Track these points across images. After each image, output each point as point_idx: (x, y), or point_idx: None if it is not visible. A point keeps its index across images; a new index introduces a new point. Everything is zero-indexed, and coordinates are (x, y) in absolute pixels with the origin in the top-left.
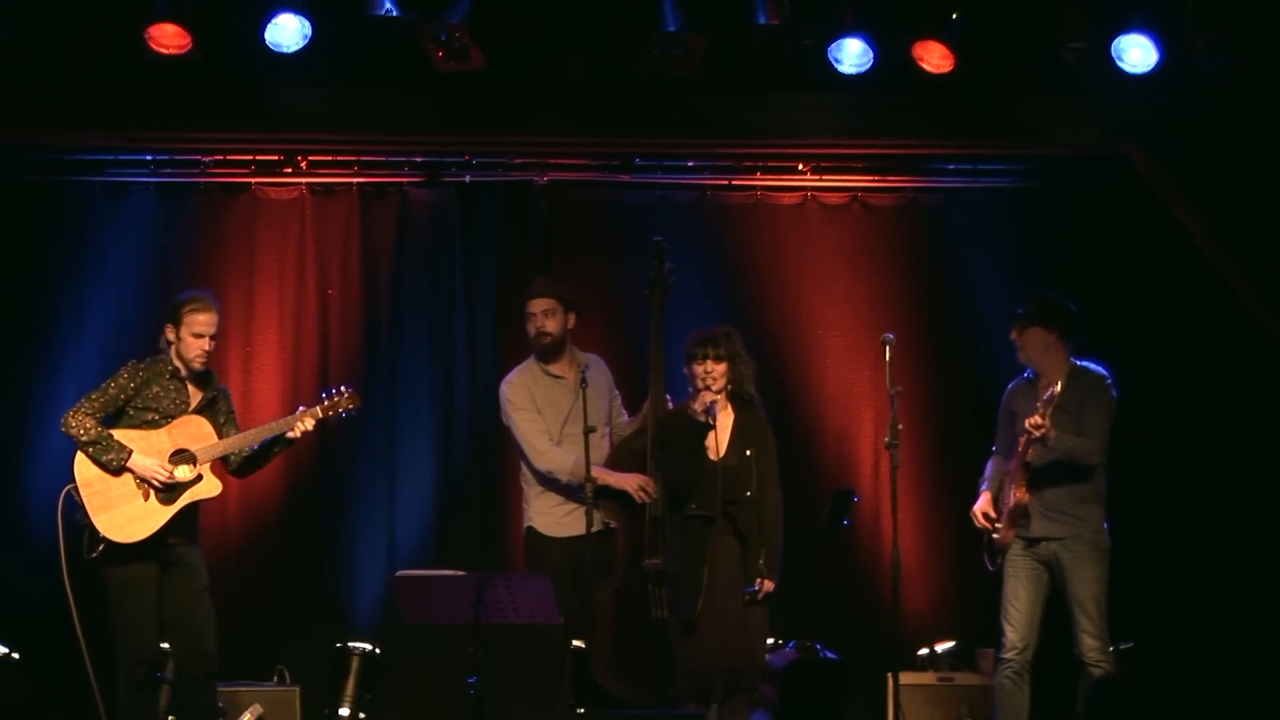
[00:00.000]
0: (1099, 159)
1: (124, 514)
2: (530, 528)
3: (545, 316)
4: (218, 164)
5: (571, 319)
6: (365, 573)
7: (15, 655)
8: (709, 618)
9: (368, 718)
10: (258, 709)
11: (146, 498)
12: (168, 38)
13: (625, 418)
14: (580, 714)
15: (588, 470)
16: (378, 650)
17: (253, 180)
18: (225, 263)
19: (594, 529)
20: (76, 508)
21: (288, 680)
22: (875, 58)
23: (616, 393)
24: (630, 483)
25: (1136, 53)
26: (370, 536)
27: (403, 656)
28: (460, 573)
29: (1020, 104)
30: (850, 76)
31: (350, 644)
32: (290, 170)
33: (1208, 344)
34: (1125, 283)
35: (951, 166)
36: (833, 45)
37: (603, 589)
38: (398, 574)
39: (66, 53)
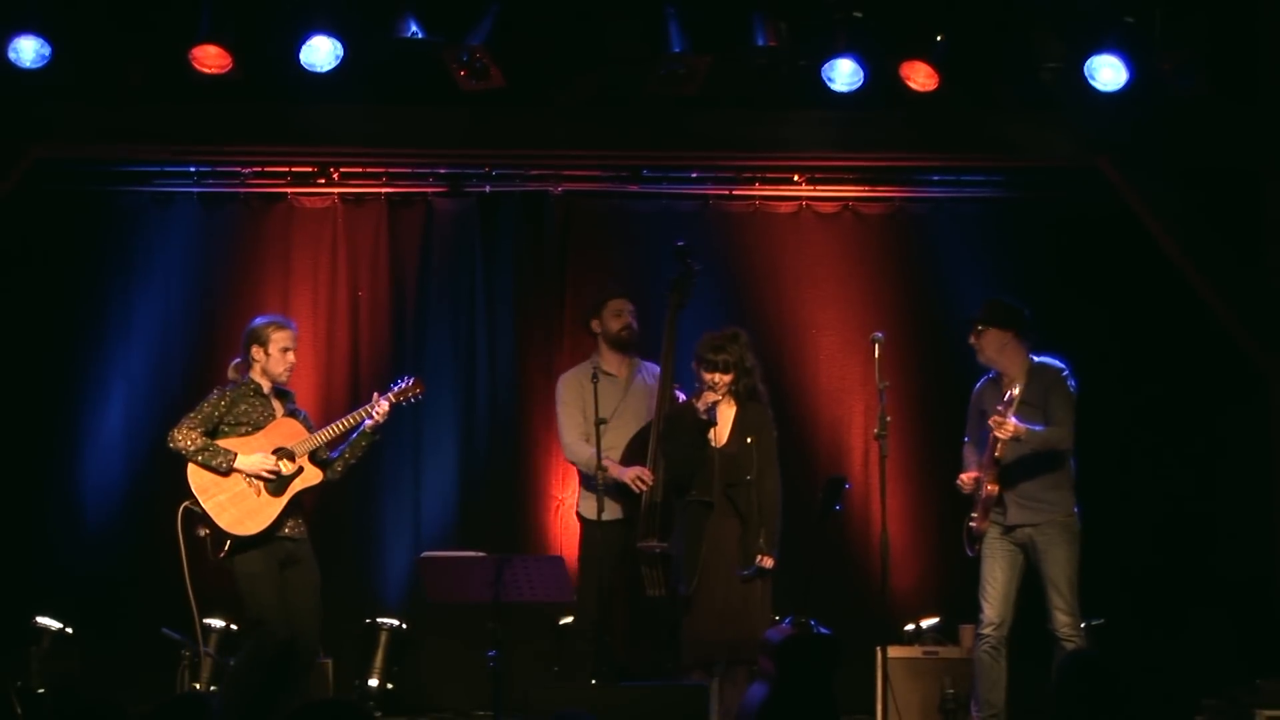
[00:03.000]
0: (1073, 171)
1: (241, 511)
2: (578, 513)
3: (630, 314)
4: (256, 175)
5: None
6: (392, 554)
7: (69, 631)
8: (708, 594)
9: (395, 688)
10: None
11: (259, 494)
12: (210, 58)
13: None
14: (591, 684)
15: (599, 460)
16: (404, 626)
17: (288, 190)
18: (263, 267)
19: (618, 517)
20: (197, 519)
21: (321, 653)
22: (865, 77)
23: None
24: (628, 475)
25: (1108, 72)
26: (397, 521)
27: (427, 632)
28: (480, 554)
29: (1000, 120)
30: (842, 94)
31: (379, 620)
32: (323, 181)
33: (1173, 343)
34: (1096, 286)
35: (936, 178)
36: (826, 65)
37: (619, 570)
38: (422, 555)
39: (117, 73)
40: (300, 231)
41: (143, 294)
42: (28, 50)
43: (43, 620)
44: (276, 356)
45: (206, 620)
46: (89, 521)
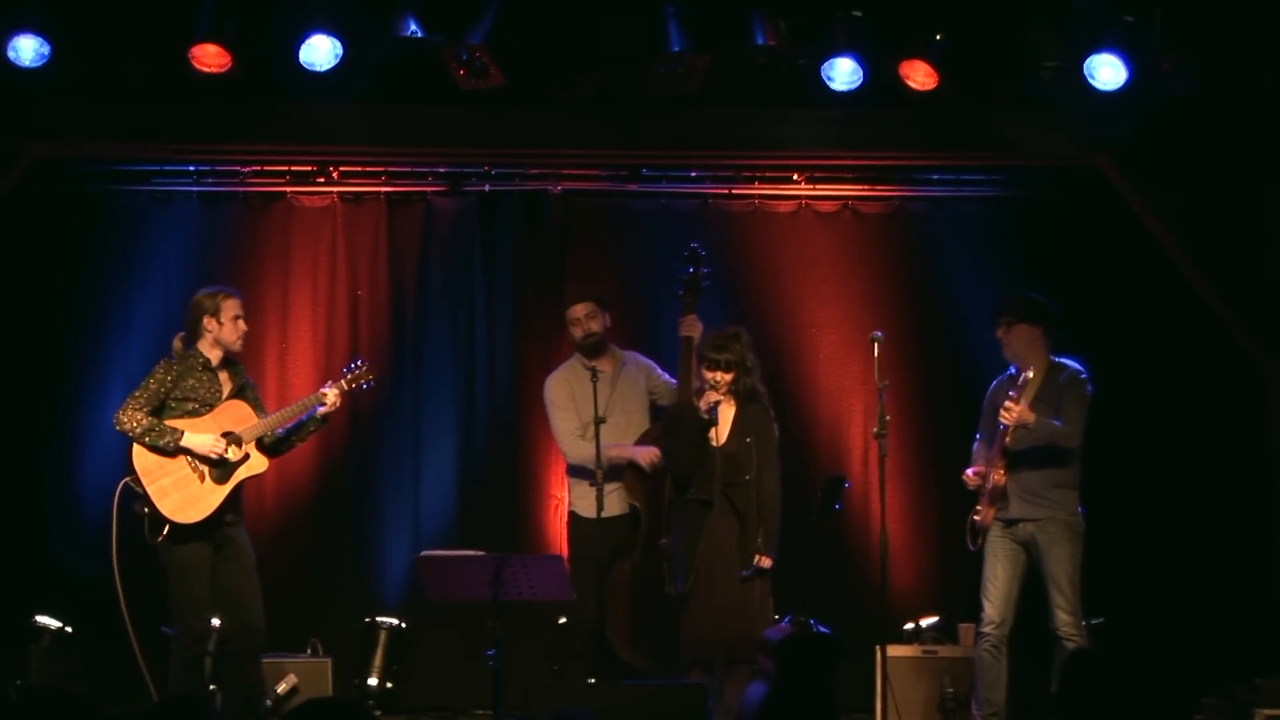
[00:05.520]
0: (1072, 170)
1: (184, 497)
2: (571, 511)
3: (589, 319)
4: (255, 174)
5: (608, 317)
6: (392, 552)
7: (69, 629)
8: (706, 592)
9: (394, 687)
10: (292, 679)
11: (203, 480)
12: (209, 57)
13: (669, 379)
14: (591, 683)
15: (598, 457)
16: (403, 625)
17: (288, 189)
18: (262, 266)
19: (622, 512)
20: (136, 497)
21: (320, 652)
22: (865, 76)
23: (656, 371)
24: (642, 455)
25: (1107, 71)
26: (396, 519)
27: (427, 631)
28: (480, 553)
29: (999, 119)
30: (841, 93)
31: (378, 619)
32: (323, 180)
33: (1172, 341)
34: (1096, 284)
35: (936, 176)
36: (825, 64)
37: (621, 566)
38: (421, 554)
39: (116, 71)
40: (300, 230)
41: (142, 293)
42: (27, 49)
43: (42, 619)
44: (229, 325)
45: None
46: (88, 520)
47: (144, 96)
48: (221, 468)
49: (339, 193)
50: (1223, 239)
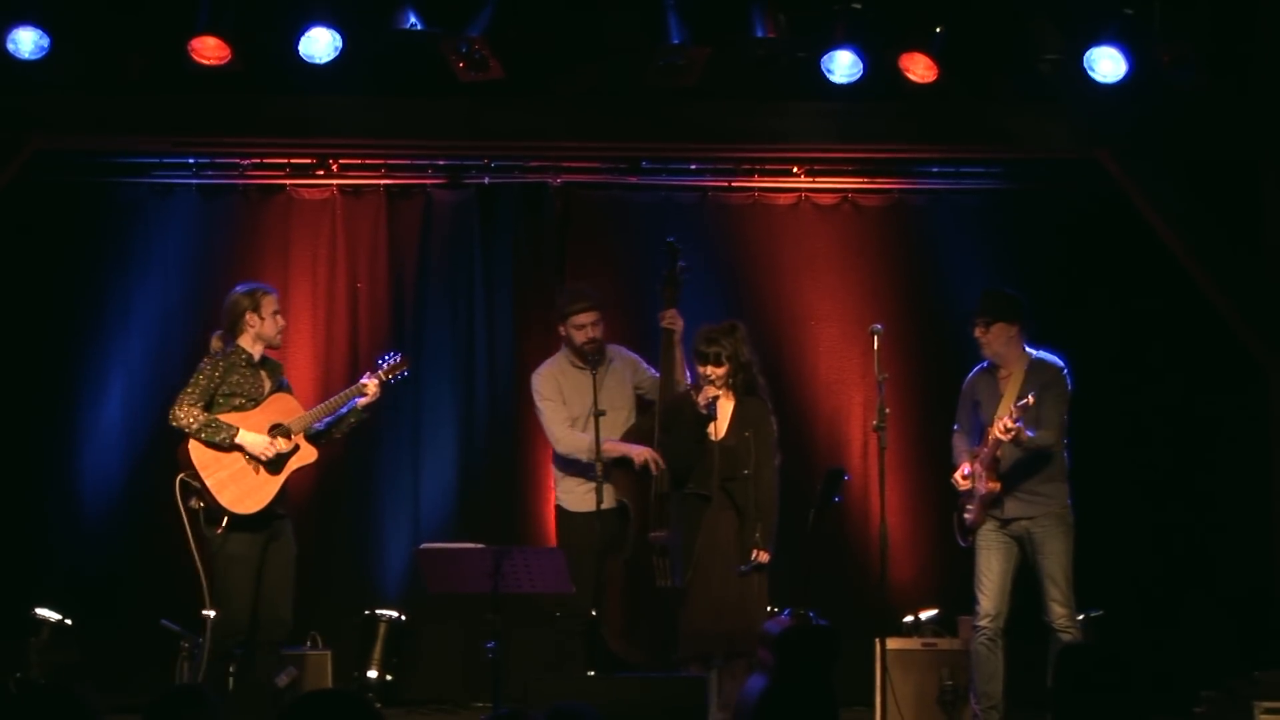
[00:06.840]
0: (1071, 163)
1: (241, 489)
2: (559, 505)
3: (595, 327)
4: (255, 167)
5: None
6: (392, 546)
7: (68, 622)
8: (704, 587)
9: (394, 680)
10: (293, 671)
11: (257, 471)
12: (209, 50)
13: (654, 372)
14: (590, 676)
15: (598, 451)
16: (403, 617)
17: (287, 182)
18: (262, 259)
19: (610, 506)
20: (193, 493)
21: (320, 645)
22: (864, 68)
23: (642, 365)
24: (636, 453)
25: (1107, 64)
26: (396, 512)
27: (426, 623)
28: (479, 546)
29: (999, 112)
30: (841, 86)
31: (378, 611)
32: (322, 173)
33: (1172, 335)
34: (1095, 277)
35: (935, 169)
36: (825, 57)
37: (614, 561)
38: (421, 547)
39: (116, 64)
40: (299, 223)
41: (141, 286)
42: (26, 41)
43: (42, 611)
44: (269, 320)
45: (205, 612)
46: (88, 512)
47: (143, 89)
48: (275, 459)
49: (338, 185)
50: (1222, 232)
